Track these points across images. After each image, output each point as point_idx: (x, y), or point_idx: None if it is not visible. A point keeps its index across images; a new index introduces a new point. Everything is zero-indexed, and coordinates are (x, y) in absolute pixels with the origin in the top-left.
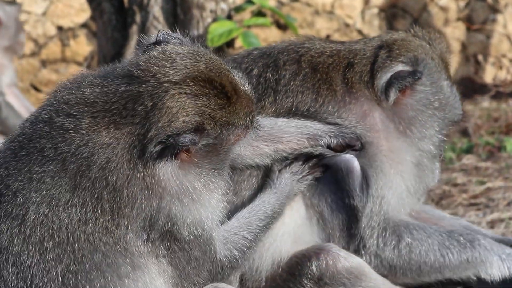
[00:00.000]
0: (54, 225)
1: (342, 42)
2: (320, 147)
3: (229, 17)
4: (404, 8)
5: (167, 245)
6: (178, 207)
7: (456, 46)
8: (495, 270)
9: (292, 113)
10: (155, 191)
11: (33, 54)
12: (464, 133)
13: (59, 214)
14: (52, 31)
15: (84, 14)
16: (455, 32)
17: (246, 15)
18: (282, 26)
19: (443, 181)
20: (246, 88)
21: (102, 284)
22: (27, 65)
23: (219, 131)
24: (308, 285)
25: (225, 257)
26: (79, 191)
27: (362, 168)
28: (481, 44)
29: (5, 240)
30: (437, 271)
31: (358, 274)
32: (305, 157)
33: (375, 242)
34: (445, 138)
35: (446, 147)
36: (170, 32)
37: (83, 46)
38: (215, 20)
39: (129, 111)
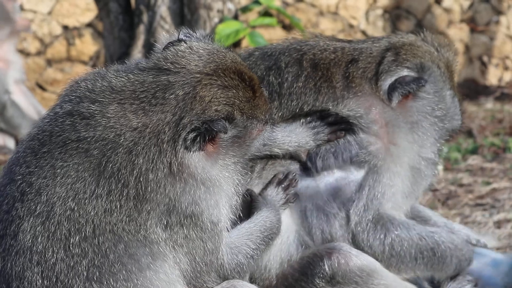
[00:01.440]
0: (80, 219)
1: (349, 41)
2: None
3: (235, 17)
4: (408, 9)
5: (186, 232)
6: (202, 191)
7: (459, 48)
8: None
9: (297, 115)
10: (180, 177)
11: (39, 53)
12: (469, 134)
13: (85, 207)
14: (58, 30)
15: (89, 13)
16: (459, 34)
17: (252, 15)
18: (287, 27)
19: (449, 181)
20: (262, 87)
21: (125, 277)
22: (32, 64)
23: (246, 123)
24: (321, 285)
25: (231, 260)
26: (103, 181)
27: (359, 160)
28: (485, 46)
29: (28, 240)
30: (407, 269)
31: (370, 272)
32: (279, 180)
33: (365, 235)
34: (442, 147)
35: (443, 156)
36: (191, 31)
37: (88, 46)
38: (222, 20)
39: (159, 99)
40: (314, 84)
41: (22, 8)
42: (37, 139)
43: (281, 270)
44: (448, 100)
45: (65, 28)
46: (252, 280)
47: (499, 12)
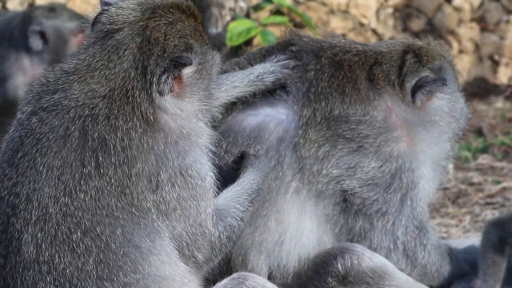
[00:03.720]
0: (77, 212)
1: (365, 44)
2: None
3: (247, 15)
4: (419, 8)
5: (178, 188)
6: (185, 140)
7: (470, 47)
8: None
9: (327, 118)
10: (159, 127)
11: None
12: (479, 133)
13: (77, 195)
14: None
15: None
16: (469, 33)
17: (264, 13)
18: (298, 25)
19: (459, 180)
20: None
21: (132, 269)
22: None
23: (202, 49)
24: (333, 283)
25: (220, 226)
26: (88, 158)
27: (393, 182)
28: (495, 45)
29: (33, 251)
30: (432, 280)
31: (381, 273)
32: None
33: (412, 243)
34: (455, 145)
35: (454, 154)
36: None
37: None
38: (234, 18)
39: (115, 61)
40: (337, 84)
41: (34, 4)
42: (9, 149)
43: (298, 268)
44: (461, 100)
45: None
46: (271, 278)
47: (509, 12)
